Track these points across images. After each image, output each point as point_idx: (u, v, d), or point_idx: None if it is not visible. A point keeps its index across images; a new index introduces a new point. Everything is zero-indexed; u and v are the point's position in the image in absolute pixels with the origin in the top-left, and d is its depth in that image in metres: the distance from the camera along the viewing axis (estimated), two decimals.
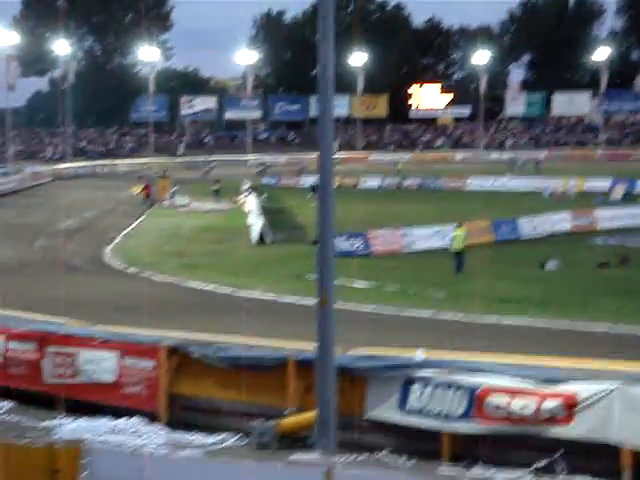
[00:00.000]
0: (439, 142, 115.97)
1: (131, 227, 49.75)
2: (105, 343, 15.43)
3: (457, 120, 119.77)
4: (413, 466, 12.86)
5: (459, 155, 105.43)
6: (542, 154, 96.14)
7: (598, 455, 12.38)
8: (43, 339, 15.91)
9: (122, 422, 14.69)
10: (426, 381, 13.35)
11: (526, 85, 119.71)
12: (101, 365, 15.31)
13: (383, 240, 38.81)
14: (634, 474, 12.06)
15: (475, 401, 12.95)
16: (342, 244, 37.08)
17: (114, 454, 10.56)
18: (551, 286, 28.97)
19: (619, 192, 59.44)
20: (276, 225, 45.14)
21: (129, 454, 11.61)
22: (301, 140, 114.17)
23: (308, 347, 13.53)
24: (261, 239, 41.49)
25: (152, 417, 14.73)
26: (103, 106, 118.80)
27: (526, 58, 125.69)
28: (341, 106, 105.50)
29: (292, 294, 27.33)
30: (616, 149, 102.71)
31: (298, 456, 12.15)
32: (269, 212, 49.67)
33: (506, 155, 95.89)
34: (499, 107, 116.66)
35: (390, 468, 12.57)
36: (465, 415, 13.02)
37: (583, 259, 35.06)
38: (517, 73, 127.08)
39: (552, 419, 12.59)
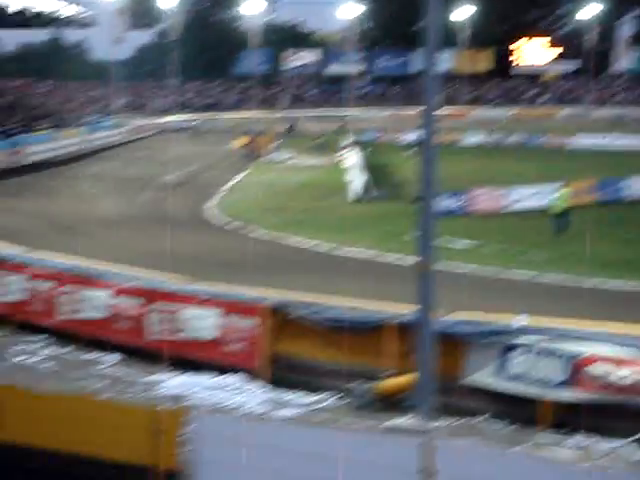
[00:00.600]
0: (543, 98, 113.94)
1: (234, 181, 50.19)
2: (207, 301, 15.68)
3: (563, 76, 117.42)
4: (511, 433, 12.83)
5: (564, 112, 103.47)
6: None
7: None
8: (148, 295, 16.23)
9: (224, 379, 14.93)
10: (526, 348, 13.28)
11: (636, 39, 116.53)
12: (203, 322, 15.57)
13: (484, 199, 38.43)
14: None
15: (576, 369, 12.84)
16: (442, 203, 36.87)
17: (216, 414, 10.78)
18: None
19: None
20: (377, 182, 45.00)
21: (230, 414, 11.85)
22: (404, 95, 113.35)
23: (408, 309, 13.53)
24: (362, 196, 41.46)
25: (253, 375, 14.94)
26: (208, 59, 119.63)
27: (637, 12, 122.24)
28: (444, 60, 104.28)
29: (392, 252, 27.30)
30: None
31: (396, 419, 12.21)
32: (370, 168, 49.53)
33: (614, 112, 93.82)
34: (607, 62, 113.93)
35: (487, 434, 12.56)
36: (565, 383, 12.93)
37: None
38: (627, 27, 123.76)
39: None
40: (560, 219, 31.46)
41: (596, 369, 12.67)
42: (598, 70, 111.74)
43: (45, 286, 17.89)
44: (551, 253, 27.39)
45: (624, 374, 12.50)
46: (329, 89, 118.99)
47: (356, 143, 62.34)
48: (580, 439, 12.64)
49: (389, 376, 13.75)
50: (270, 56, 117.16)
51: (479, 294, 21.45)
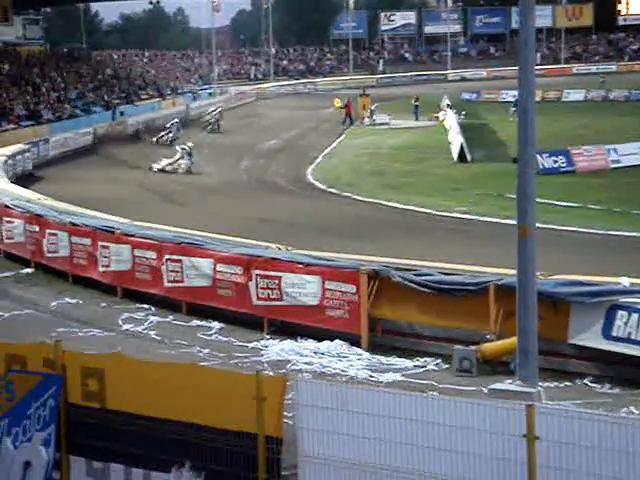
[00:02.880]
0: None
1: (332, 146, 50.28)
2: (309, 267, 15.77)
3: None
4: (616, 394, 12.65)
5: None
6: None
7: None
8: (250, 263, 16.39)
9: (326, 345, 15.04)
10: (632, 308, 13.04)
11: None
12: (305, 289, 15.67)
13: (587, 157, 37.77)
14: None
15: None
16: (545, 161, 36.40)
17: (318, 380, 10.87)
18: None
19: None
20: (476, 142, 44.59)
21: (332, 380, 11.92)
22: (502, 53, 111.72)
23: (509, 272, 13.42)
24: (461, 157, 41.14)
25: (354, 341, 15.01)
26: (303, 25, 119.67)
27: None
28: (544, 17, 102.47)
29: (493, 214, 27.09)
30: None
31: (499, 383, 12.14)
32: (469, 129, 49.08)
33: None
34: None
35: (592, 397, 12.40)
36: None
37: None
38: None
39: None
40: None
41: None
42: None
43: (149, 255, 18.20)
44: None
45: None
46: (427, 50, 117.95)
47: (455, 104, 61.75)
48: None
49: (491, 339, 13.67)
50: (365, 19, 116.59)
51: (582, 253, 21.17)
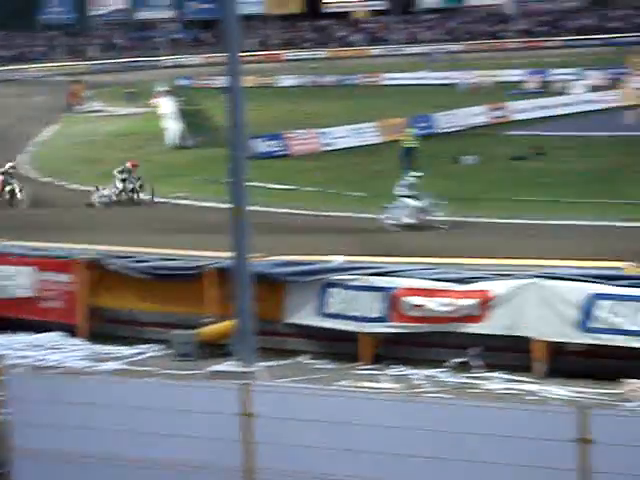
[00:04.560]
0: (354, 37, 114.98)
1: (45, 135, 48.84)
2: (21, 258, 15.27)
3: (374, 13, 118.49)
4: (333, 369, 13.05)
5: (375, 50, 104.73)
6: (458, 46, 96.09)
7: (511, 350, 12.72)
8: None
9: (42, 337, 14.64)
10: (344, 285, 13.48)
11: None
12: (17, 281, 15.17)
13: (301, 141, 38.71)
14: (548, 367, 12.43)
15: (392, 303, 13.13)
16: (260, 146, 36.96)
17: (34, 373, 10.57)
18: (466, 181, 29.25)
19: (534, 83, 59.88)
20: (193, 128, 44.61)
21: (47, 372, 11.61)
22: (216, 39, 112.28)
23: (227, 255, 13.53)
24: (179, 143, 41.07)
25: (73, 331, 14.69)
26: (10, 9, 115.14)
27: None
28: (254, 3, 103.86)
29: (211, 198, 27.19)
30: (530, 39, 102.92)
31: (218, 365, 12.25)
32: (185, 115, 49.04)
33: (422, 49, 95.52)
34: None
35: (310, 373, 12.74)
36: (382, 317, 13.23)
37: (499, 153, 35.35)
38: None
39: (468, 317, 12.85)
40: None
41: (411, 301, 12.99)
42: (407, 6, 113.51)
43: None
44: (368, 191, 27.72)
45: (437, 304, 12.87)
46: (140, 36, 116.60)
47: (170, 90, 61.50)
48: (400, 370, 12.94)
49: (210, 323, 13.75)
50: (76, 3, 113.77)
51: (296, 235, 21.67)
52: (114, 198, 28.34)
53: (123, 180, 28.53)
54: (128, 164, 29.03)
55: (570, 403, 10.23)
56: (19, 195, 28.54)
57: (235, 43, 11.49)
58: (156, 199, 28.46)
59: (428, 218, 22.84)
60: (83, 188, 31.12)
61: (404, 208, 23.04)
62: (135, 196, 28.58)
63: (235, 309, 11.84)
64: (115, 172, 28.76)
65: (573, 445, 7.11)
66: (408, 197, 23.12)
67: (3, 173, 29.25)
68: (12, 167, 29.76)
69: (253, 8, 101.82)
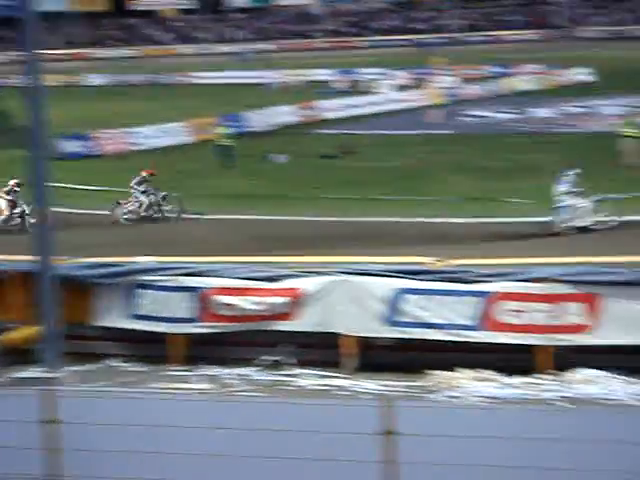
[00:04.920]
0: (163, 36, 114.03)
1: None
2: None
3: (183, 12, 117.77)
4: (145, 371, 12.88)
5: (186, 49, 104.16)
6: (268, 46, 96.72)
7: (323, 346, 12.86)
8: None
9: None
10: (154, 286, 13.30)
11: None
12: None
13: (111, 141, 38.08)
14: (358, 362, 12.63)
15: (202, 302, 13.06)
16: (68, 146, 36.14)
17: None
18: (276, 180, 29.44)
19: (343, 82, 60.88)
20: None
21: None
22: (14, 36, 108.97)
23: (29, 258, 13.12)
24: None
25: None
26: None
27: None
28: (57, 1, 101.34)
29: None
30: (338, 40, 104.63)
31: (24, 372, 11.88)
32: None
33: (233, 48, 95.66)
34: None
35: (121, 375, 12.54)
36: (193, 317, 13.14)
37: (309, 151, 35.67)
38: None
39: (278, 315, 12.91)
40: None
41: (221, 300, 12.95)
42: (214, 6, 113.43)
43: None
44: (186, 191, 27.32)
45: (247, 303, 12.88)
46: None
47: None
48: (212, 370, 12.88)
49: (14, 329, 13.30)
50: None
51: (109, 235, 21.36)
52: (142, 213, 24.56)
53: (143, 192, 24.67)
54: (144, 173, 25.16)
55: (378, 396, 10.38)
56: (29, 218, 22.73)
57: (30, 40, 11.14)
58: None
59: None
60: None
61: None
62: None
63: (39, 313, 11.49)
64: (133, 184, 24.80)
65: (379, 437, 7.20)
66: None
67: (8, 192, 24.33)
68: (17, 184, 24.07)
69: (55, 5, 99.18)
